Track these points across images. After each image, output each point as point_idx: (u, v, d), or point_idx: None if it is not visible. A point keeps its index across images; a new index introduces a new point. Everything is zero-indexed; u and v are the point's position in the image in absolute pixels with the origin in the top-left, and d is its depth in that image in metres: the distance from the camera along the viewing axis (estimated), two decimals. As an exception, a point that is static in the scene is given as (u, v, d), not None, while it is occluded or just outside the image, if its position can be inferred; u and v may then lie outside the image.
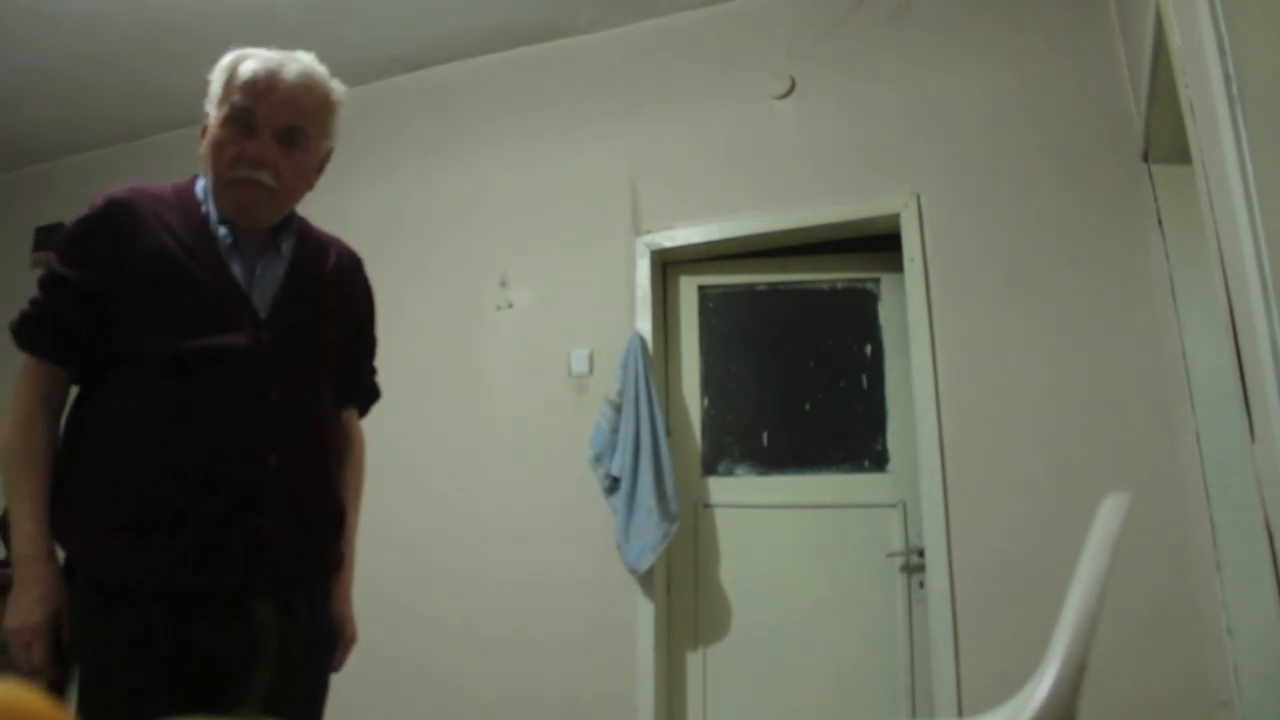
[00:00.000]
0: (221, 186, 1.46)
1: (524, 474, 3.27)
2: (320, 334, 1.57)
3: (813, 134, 3.21)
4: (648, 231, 3.34)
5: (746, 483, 3.19)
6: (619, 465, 3.02)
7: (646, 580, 3.01)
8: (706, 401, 3.29)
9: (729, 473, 3.22)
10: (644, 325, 3.23)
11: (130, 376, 1.40)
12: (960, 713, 2.58)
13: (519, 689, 3.07)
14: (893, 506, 3.01)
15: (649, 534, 2.92)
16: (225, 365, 1.42)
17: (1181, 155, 2.22)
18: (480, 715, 3.11)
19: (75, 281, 1.41)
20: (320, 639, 1.56)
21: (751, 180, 3.25)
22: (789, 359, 3.27)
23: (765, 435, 3.22)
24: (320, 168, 1.61)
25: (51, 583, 1.35)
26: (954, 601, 2.68)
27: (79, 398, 1.46)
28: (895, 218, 3.02)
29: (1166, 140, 2.49)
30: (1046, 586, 2.45)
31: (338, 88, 1.63)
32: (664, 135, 3.42)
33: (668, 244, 3.30)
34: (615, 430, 3.08)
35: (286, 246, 1.56)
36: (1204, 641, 2.40)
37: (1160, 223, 2.64)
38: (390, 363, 3.63)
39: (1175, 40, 1.89)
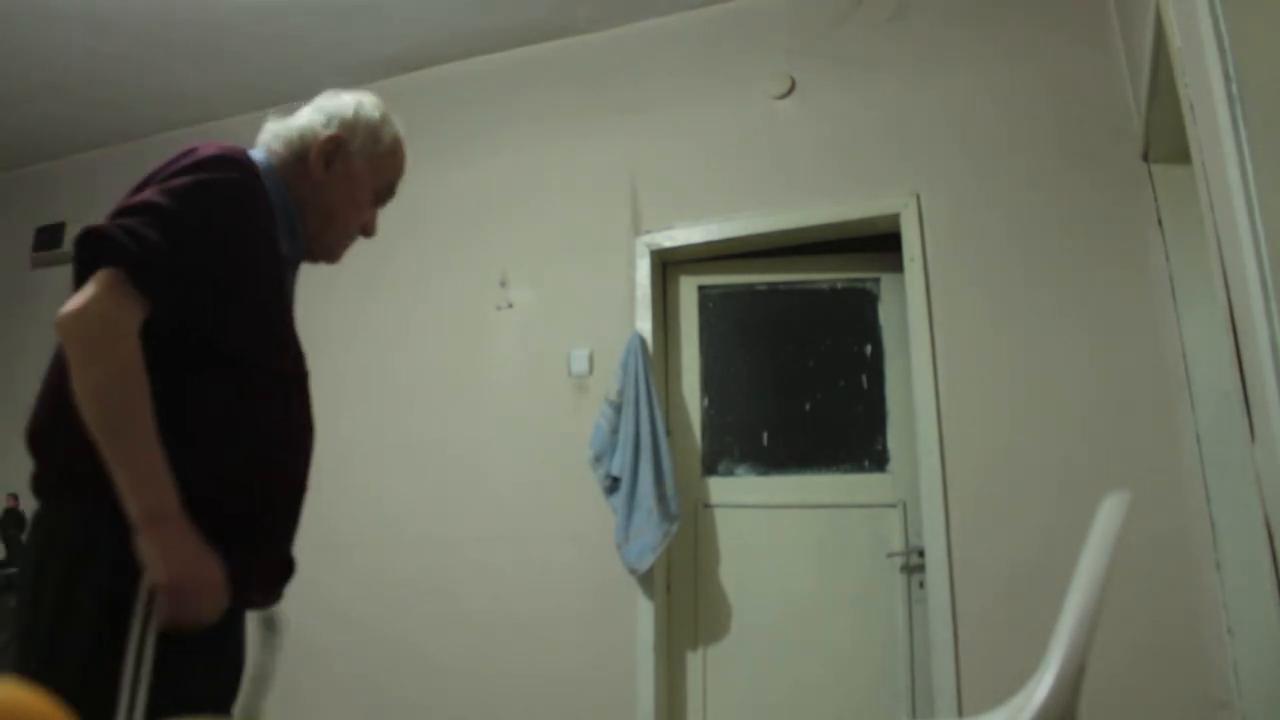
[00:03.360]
0: (333, 238, 1.51)
1: (524, 474, 3.27)
2: None
3: (812, 134, 3.21)
4: (648, 231, 3.33)
5: (746, 483, 3.19)
6: (619, 465, 3.02)
7: (646, 580, 3.01)
8: (706, 401, 3.28)
9: (729, 473, 3.22)
10: (644, 325, 3.23)
11: (229, 381, 1.30)
12: (960, 713, 2.58)
13: (518, 688, 3.07)
14: (893, 506, 3.01)
15: (649, 534, 2.92)
16: (303, 390, 1.42)
17: (1181, 155, 2.21)
18: (479, 713, 3.11)
19: (210, 251, 1.27)
20: None
21: (751, 180, 3.24)
22: (789, 359, 3.27)
23: (765, 435, 3.21)
24: None
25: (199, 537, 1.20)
26: (954, 601, 2.68)
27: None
28: (895, 218, 3.02)
29: (1166, 140, 2.49)
30: (1046, 586, 2.45)
31: None
32: (664, 135, 3.42)
33: (668, 244, 3.30)
34: (615, 430, 3.08)
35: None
36: (1204, 641, 2.40)
37: (1160, 223, 2.64)
38: (392, 363, 3.65)
39: (1175, 40, 1.89)
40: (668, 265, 3.40)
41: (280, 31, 3.59)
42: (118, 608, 1.16)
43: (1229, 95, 1.48)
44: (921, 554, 2.82)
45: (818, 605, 2.99)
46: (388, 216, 4.04)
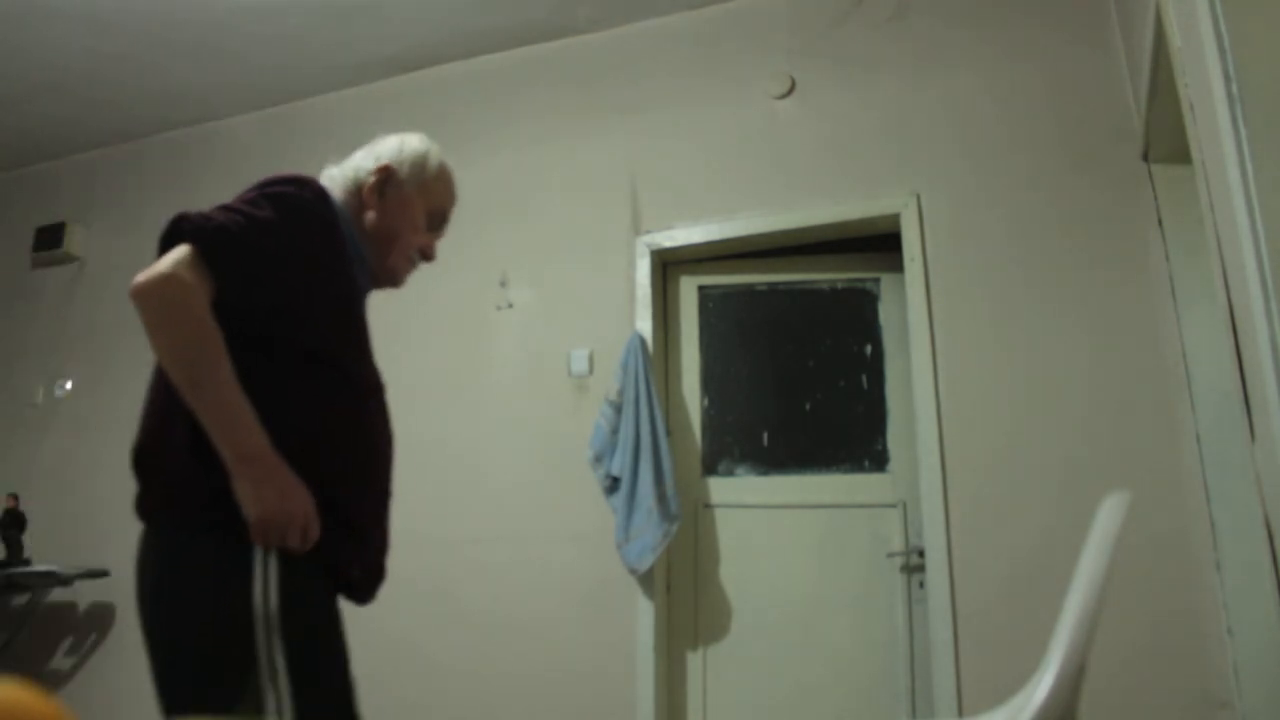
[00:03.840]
0: (395, 261, 1.60)
1: (524, 474, 3.27)
2: None
3: (812, 134, 3.21)
4: (648, 231, 3.33)
5: (746, 483, 3.19)
6: (619, 465, 3.02)
7: (646, 580, 3.01)
8: (706, 401, 3.28)
9: (729, 473, 3.22)
10: (644, 325, 3.23)
11: (317, 387, 1.36)
12: (960, 713, 2.58)
13: (518, 688, 3.07)
14: (893, 506, 3.01)
15: (649, 534, 2.92)
16: (383, 402, 1.51)
17: (1181, 155, 2.22)
18: (479, 713, 3.11)
19: (283, 247, 1.35)
20: None
21: (751, 180, 3.24)
22: (789, 359, 3.27)
23: (765, 435, 3.21)
24: None
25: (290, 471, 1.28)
26: (954, 601, 2.68)
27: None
28: (895, 218, 3.02)
29: (1166, 140, 2.49)
30: (1047, 586, 2.45)
31: None
32: (664, 135, 3.42)
33: (668, 244, 3.30)
34: (615, 430, 3.08)
35: None
36: (1204, 642, 2.40)
37: (1160, 223, 2.64)
38: (392, 363, 3.63)
39: (1175, 40, 1.89)
40: (668, 265, 3.40)
41: (280, 31, 3.59)
42: (231, 621, 1.21)
43: (1229, 95, 1.48)
44: (921, 554, 2.82)
45: (818, 605, 2.99)
46: (388, 216, 4.02)
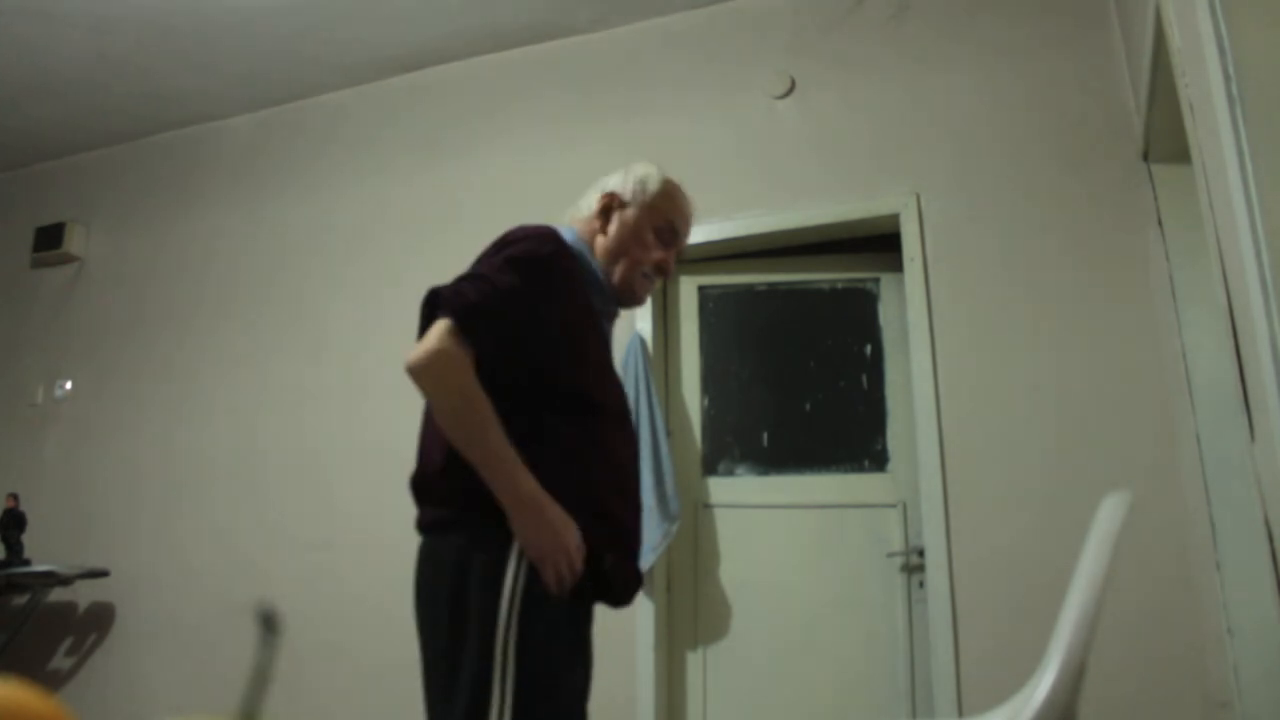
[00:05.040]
0: (632, 276, 1.70)
1: (524, 474, 3.27)
2: None
3: (813, 134, 3.21)
4: (648, 231, 3.33)
5: (746, 483, 3.19)
6: (619, 465, 3.02)
7: (646, 580, 3.01)
8: (706, 401, 3.28)
9: (729, 473, 3.22)
10: (644, 325, 3.23)
11: (580, 416, 1.54)
12: (960, 713, 2.58)
13: (519, 689, 3.07)
14: (893, 506, 3.01)
15: (649, 534, 2.92)
16: (628, 421, 1.66)
17: (1181, 155, 2.21)
18: (480, 715, 3.11)
19: (529, 309, 1.51)
20: None
21: (751, 180, 3.24)
22: (789, 359, 3.27)
23: (765, 435, 3.21)
24: None
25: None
26: (954, 601, 2.68)
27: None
28: (895, 218, 3.02)
29: (1166, 140, 2.49)
30: (1046, 586, 2.45)
31: None
32: (664, 135, 3.42)
33: (668, 244, 3.30)
34: (615, 430, 3.08)
35: None
36: (1204, 641, 2.40)
37: (1160, 223, 2.64)
38: (387, 364, 3.64)
39: (1175, 40, 1.90)
40: (668, 265, 3.39)
41: (280, 32, 3.59)
42: (491, 614, 1.44)
43: (1229, 95, 1.48)
44: (921, 554, 2.82)
45: (817, 605, 2.99)
46: (385, 216, 4.02)
